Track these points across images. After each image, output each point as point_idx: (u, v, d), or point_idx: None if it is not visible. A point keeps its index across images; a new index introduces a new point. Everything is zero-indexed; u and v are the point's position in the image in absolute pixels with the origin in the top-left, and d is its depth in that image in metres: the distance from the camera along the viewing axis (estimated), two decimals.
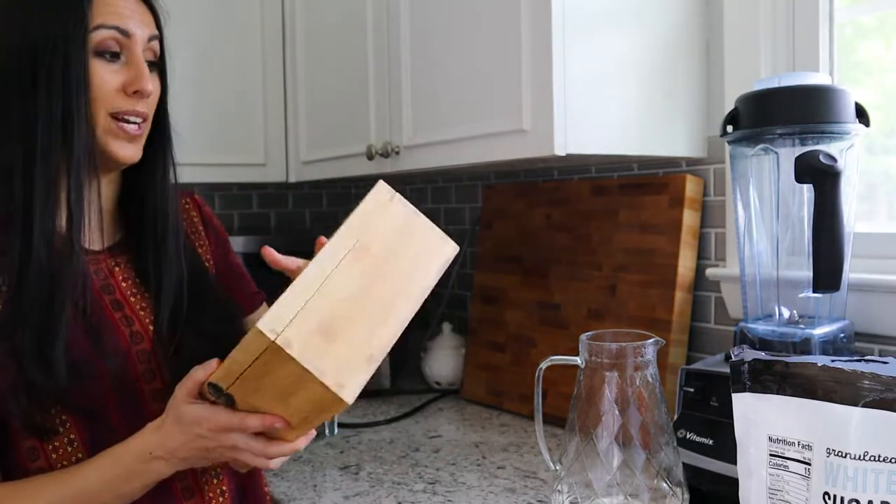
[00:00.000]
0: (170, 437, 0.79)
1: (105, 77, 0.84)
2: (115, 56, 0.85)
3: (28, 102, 0.82)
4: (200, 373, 0.78)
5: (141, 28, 0.86)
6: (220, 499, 0.93)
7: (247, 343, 0.70)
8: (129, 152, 0.88)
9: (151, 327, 0.92)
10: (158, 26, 0.91)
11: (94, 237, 0.90)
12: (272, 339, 0.66)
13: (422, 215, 0.78)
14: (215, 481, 0.93)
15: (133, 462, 0.80)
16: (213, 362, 0.78)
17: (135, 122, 0.88)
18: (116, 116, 0.86)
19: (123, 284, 0.93)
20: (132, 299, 0.92)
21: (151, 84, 0.87)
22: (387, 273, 0.75)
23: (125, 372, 0.87)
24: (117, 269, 0.93)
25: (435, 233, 0.81)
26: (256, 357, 0.70)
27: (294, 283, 0.69)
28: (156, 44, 0.90)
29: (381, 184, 0.77)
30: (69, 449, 0.84)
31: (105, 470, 0.80)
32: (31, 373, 0.79)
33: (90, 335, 0.85)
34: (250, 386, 0.74)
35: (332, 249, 0.72)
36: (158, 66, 0.92)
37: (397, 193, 0.76)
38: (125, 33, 0.85)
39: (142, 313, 0.92)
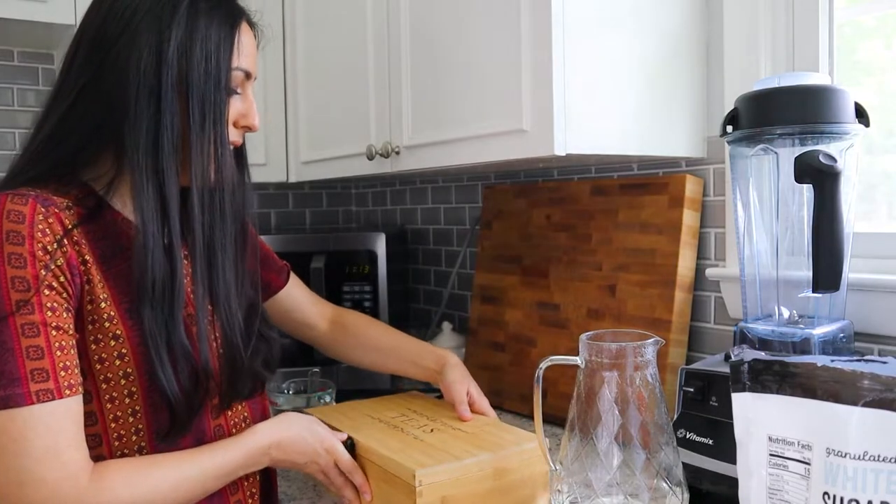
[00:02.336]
0: (295, 441, 0.96)
1: (229, 109, 0.91)
2: (234, 91, 0.92)
3: (175, 118, 0.85)
4: (343, 434, 1.02)
5: (256, 70, 0.95)
6: (251, 489, 0.99)
7: (397, 464, 0.94)
8: None
9: (217, 333, 0.94)
10: None
11: None
12: (416, 485, 0.90)
13: (555, 475, 0.93)
14: (246, 483, 0.98)
15: (254, 453, 0.93)
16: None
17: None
18: None
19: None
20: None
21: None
22: (498, 495, 0.98)
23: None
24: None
25: (548, 490, 1.02)
26: (394, 475, 0.94)
27: (459, 462, 0.94)
28: None
29: (541, 444, 0.95)
30: (133, 438, 0.87)
31: (233, 455, 0.91)
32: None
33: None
34: (373, 472, 0.99)
35: (487, 461, 0.96)
36: None
37: (548, 454, 0.93)
38: (249, 76, 0.93)
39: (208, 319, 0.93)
